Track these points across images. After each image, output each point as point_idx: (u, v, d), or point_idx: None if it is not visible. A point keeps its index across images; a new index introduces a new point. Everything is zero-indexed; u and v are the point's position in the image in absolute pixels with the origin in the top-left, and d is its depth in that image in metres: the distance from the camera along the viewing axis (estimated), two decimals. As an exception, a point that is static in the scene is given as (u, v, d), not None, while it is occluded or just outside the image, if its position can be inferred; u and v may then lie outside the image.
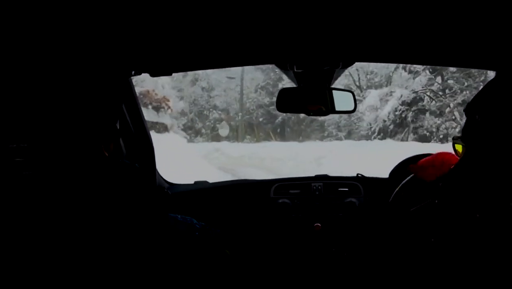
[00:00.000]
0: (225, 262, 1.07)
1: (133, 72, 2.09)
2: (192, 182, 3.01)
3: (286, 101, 2.42)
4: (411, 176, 2.26)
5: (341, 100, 2.41)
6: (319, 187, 2.77)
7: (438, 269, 1.57)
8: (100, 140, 0.99)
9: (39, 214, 0.88)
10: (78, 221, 0.90)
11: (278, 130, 28.38)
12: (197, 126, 27.37)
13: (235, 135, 27.48)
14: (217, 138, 26.26)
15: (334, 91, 2.40)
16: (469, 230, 1.43)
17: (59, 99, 0.89)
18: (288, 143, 23.66)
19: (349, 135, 24.67)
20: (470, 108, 1.50)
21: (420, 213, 1.96)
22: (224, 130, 26.26)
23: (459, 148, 1.82)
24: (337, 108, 2.42)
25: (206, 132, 27.61)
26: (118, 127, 2.14)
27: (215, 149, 21.87)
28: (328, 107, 2.41)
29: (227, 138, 26.18)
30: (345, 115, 22.54)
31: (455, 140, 1.88)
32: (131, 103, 2.34)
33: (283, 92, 2.44)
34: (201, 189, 2.94)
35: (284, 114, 24.45)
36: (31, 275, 0.85)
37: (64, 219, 0.89)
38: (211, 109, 28.13)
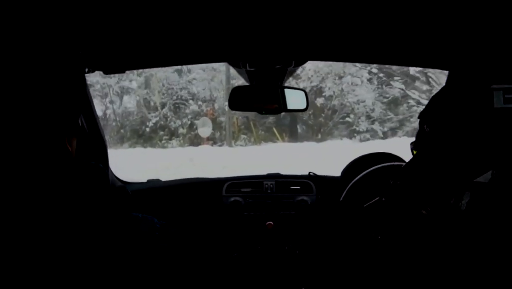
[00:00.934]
0: (182, 262, 1.06)
1: (86, 69, 2.05)
2: (145, 180, 2.98)
3: (239, 100, 2.42)
4: (361, 174, 2.29)
5: (294, 99, 2.42)
6: (271, 185, 2.78)
7: (384, 266, 1.59)
8: (63, 134, 0.96)
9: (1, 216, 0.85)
10: (41, 221, 0.87)
11: (287, 126, 20.64)
12: (173, 125, 20.81)
13: (223, 136, 20.73)
14: (197, 141, 20.14)
15: (286, 90, 2.41)
16: (415, 226, 1.46)
17: (14, 97, 0.85)
18: (302, 145, 17.56)
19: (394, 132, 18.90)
20: (421, 117, 1.53)
21: (369, 210, 1.99)
22: (205, 130, 19.42)
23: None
24: (289, 107, 2.43)
25: (182, 133, 20.72)
26: (80, 123, 2.11)
27: (188, 158, 15.28)
28: (281, 106, 2.42)
29: (212, 140, 20.18)
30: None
31: (412, 144, 1.92)
32: (84, 100, 2.29)
33: (236, 90, 2.43)
34: (154, 187, 2.90)
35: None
36: None
37: (25, 220, 0.86)
38: (188, 100, 20.84)
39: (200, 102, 20.97)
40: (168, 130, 21.07)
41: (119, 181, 2.85)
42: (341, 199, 2.32)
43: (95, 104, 2.38)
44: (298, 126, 20.97)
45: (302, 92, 2.44)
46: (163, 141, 20.88)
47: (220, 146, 20.13)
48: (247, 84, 2.53)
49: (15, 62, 0.86)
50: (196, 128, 20.30)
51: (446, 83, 1.58)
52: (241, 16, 1.50)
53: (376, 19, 1.51)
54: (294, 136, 20.21)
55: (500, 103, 1.29)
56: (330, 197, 2.68)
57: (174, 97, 20.94)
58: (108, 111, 21.57)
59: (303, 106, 2.44)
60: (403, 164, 2.19)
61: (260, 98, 2.42)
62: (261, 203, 2.75)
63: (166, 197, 2.81)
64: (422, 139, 1.53)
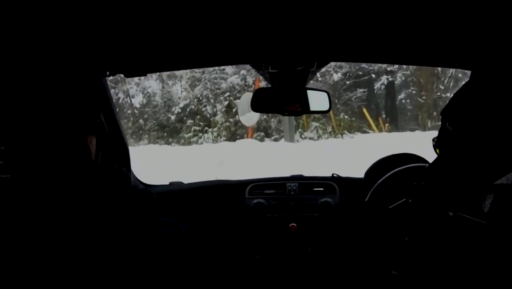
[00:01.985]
0: (206, 264, 1.06)
1: (107, 73, 2.07)
2: (167, 183, 2.99)
3: (261, 102, 2.42)
4: (386, 175, 2.27)
5: (316, 100, 2.41)
6: (294, 187, 2.77)
7: (411, 267, 1.57)
8: (83, 131, 0.97)
9: (22, 218, 0.85)
10: (63, 226, 0.87)
11: (383, 109, 14.17)
12: (208, 110, 15.97)
13: (280, 125, 14.59)
14: (240, 132, 14.50)
15: (309, 91, 2.41)
16: (441, 228, 1.45)
17: (34, 98, 0.86)
18: (405, 135, 12.43)
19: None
20: (443, 114, 1.52)
21: (395, 212, 1.98)
22: (249, 116, 11.46)
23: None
24: (312, 108, 2.42)
25: (217, 122, 15.50)
26: (99, 123, 2.12)
27: (218, 161, 10.23)
28: (303, 107, 2.42)
29: (262, 131, 14.35)
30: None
31: (433, 141, 1.90)
32: (106, 104, 2.31)
33: (259, 92, 2.44)
34: (177, 190, 2.91)
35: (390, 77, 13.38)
36: (8, 282, 0.83)
37: (48, 223, 0.86)
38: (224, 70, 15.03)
39: (243, 72, 14.94)
40: (200, 118, 16.43)
41: (142, 184, 2.86)
42: (366, 200, 2.30)
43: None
44: (397, 110, 14.39)
45: (325, 94, 2.43)
46: (189, 134, 16.38)
47: (275, 139, 14.34)
48: (270, 86, 2.53)
49: (35, 61, 0.87)
50: (237, 113, 14.03)
51: (468, 82, 1.56)
52: (263, 18, 1.50)
53: (399, 19, 1.50)
54: (394, 123, 14.22)
55: None
56: (354, 198, 2.67)
57: (211, 69, 15.44)
58: (120, 96, 18.16)
59: (326, 107, 2.43)
60: (427, 164, 2.17)
61: (282, 100, 2.42)
62: (284, 204, 2.74)
63: (189, 200, 2.82)
64: (444, 138, 1.52)
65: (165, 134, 17.43)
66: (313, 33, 1.69)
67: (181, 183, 2.99)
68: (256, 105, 2.42)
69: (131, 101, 18.89)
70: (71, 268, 0.84)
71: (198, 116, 16.50)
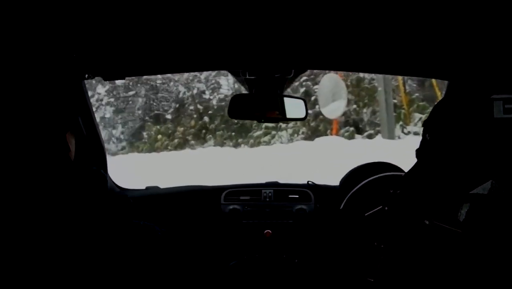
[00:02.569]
0: (182, 270, 1.06)
1: (86, 75, 2.05)
2: (144, 187, 2.97)
3: (238, 108, 2.42)
4: (361, 183, 2.29)
5: (293, 108, 2.42)
6: (270, 194, 2.78)
7: (386, 275, 1.59)
8: (62, 128, 0.96)
9: None
10: (38, 225, 0.86)
11: None
12: None
13: (372, 120, 11.98)
14: (323, 127, 12.02)
15: (285, 98, 2.41)
16: (418, 236, 1.46)
17: (12, 96, 0.85)
18: None
19: None
20: (424, 125, 1.54)
21: (371, 219, 1.99)
22: (335, 105, 9.38)
23: None
24: (288, 116, 2.43)
25: None
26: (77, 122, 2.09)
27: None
28: (280, 114, 2.42)
29: (350, 126, 11.78)
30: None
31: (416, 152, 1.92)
32: (83, 106, 2.30)
33: (236, 98, 2.44)
34: (153, 194, 2.90)
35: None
36: None
37: (23, 222, 0.85)
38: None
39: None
40: None
41: (118, 187, 2.84)
42: (341, 208, 2.32)
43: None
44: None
45: (301, 101, 2.44)
46: (259, 133, 14.04)
47: (368, 136, 11.55)
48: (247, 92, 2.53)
49: (15, 62, 0.86)
50: (317, 102, 11.29)
51: (445, 92, 1.58)
52: (241, 25, 1.51)
53: (377, 28, 1.52)
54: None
55: (500, 114, 1.29)
56: (329, 206, 2.68)
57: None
58: (180, 89, 16.71)
59: (302, 115, 2.44)
60: (402, 173, 2.20)
61: (259, 107, 2.42)
62: (260, 211, 2.74)
63: (165, 204, 2.81)
64: (423, 148, 1.54)
65: (233, 133, 15.09)
66: (291, 41, 1.70)
67: (157, 187, 2.97)
68: (233, 112, 2.42)
69: (193, 96, 16.90)
70: (44, 268, 0.83)
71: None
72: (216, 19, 1.45)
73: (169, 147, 16.80)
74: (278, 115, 2.43)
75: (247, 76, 2.23)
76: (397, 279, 1.53)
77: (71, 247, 0.87)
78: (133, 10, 1.35)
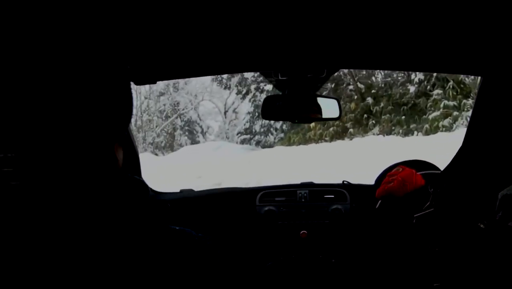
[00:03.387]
0: (220, 273, 1.06)
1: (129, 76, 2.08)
2: (178, 190, 3.00)
3: (271, 109, 2.42)
4: None
5: (326, 108, 2.41)
6: (305, 194, 2.77)
7: (450, 279, 1.56)
8: (112, 140, 0.96)
9: (31, 224, 0.85)
10: (80, 235, 0.87)
11: None
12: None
13: None
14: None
15: (319, 98, 2.41)
16: (473, 239, 1.43)
17: (51, 103, 0.85)
18: None
19: None
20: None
21: (421, 221, 1.96)
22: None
23: None
24: (323, 116, 2.42)
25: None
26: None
27: None
28: (314, 115, 2.42)
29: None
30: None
31: None
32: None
33: (268, 100, 2.44)
34: (187, 197, 2.92)
35: None
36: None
37: (61, 231, 0.86)
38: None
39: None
40: (455, 85, 10.77)
41: (152, 191, 2.87)
42: (376, 207, 2.30)
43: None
44: None
45: (335, 101, 2.43)
46: (436, 114, 10.99)
47: None
48: (280, 93, 2.53)
49: (70, 69, 0.87)
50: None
51: (478, 90, 1.55)
52: (273, 26, 1.51)
53: (411, 25, 1.50)
54: None
55: None
56: (365, 205, 2.66)
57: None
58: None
59: (336, 114, 2.43)
60: (438, 171, 2.16)
61: (292, 107, 2.42)
62: (295, 212, 2.74)
63: (200, 207, 2.83)
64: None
65: (403, 117, 12.10)
66: (323, 40, 1.69)
67: (191, 190, 2.99)
68: (266, 113, 2.42)
69: (353, 73, 13.45)
70: (86, 277, 0.84)
71: (451, 83, 10.53)
72: (247, 21, 1.45)
73: (326, 137, 14.60)
74: (312, 116, 2.42)
75: (279, 77, 2.23)
76: (461, 284, 1.50)
77: (110, 257, 0.88)
78: (165, 14, 1.36)
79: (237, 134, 23.96)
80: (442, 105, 11.19)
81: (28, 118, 0.82)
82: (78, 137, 0.86)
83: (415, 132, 11.35)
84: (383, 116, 12.40)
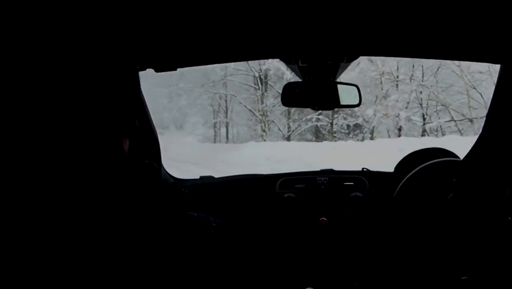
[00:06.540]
0: (238, 260, 1.06)
1: (138, 67, 2.10)
2: (198, 177, 3.02)
3: (291, 96, 2.42)
4: (415, 169, 2.26)
5: (346, 95, 2.41)
6: (325, 181, 2.78)
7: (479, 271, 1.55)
8: (120, 133, 0.96)
9: (43, 215, 0.85)
10: (89, 223, 0.87)
11: None
12: None
13: None
14: None
15: (339, 86, 2.40)
16: (503, 233, 1.42)
17: (64, 95, 0.86)
18: None
19: None
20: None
21: (441, 210, 1.94)
22: None
23: None
24: (342, 103, 2.42)
25: None
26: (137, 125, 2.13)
27: None
28: (333, 102, 2.42)
29: None
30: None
31: None
32: (138, 99, 2.35)
33: (288, 86, 2.44)
34: (207, 183, 2.94)
35: None
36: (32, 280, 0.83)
37: (73, 221, 0.86)
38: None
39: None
40: None
41: (172, 178, 2.90)
42: (394, 195, 2.30)
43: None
44: None
45: (355, 88, 2.42)
46: None
47: None
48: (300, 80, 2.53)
49: (74, 61, 0.86)
50: None
51: (498, 77, 1.53)
52: (293, 12, 1.51)
53: (431, 12, 1.49)
54: None
55: None
56: (384, 192, 2.66)
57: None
58: None
59: (356, 101, 2.42)
60: (458, 159, 2.15)
61: (313, 94, 2.42)
62: (315, 199, 2.75)
63: (220, 194, 2.85)
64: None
65: None
66: (343, 27, 1.69)
67: (211, 177, 3.01)
68: (286, 100, 2.43)
69: None
70: (99, 264, 0.85)
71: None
72: (269, 8, 1.46)
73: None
74: (332, 103, 2.42)
75: (300, 64, 2.23)
76: (491, 279, 1.49)
77: (121, 242, 0.88)
78: (185, 1, 1.37)
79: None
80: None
81: (32, 109, 0.82)
82: (82, 126, 0.85)
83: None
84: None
